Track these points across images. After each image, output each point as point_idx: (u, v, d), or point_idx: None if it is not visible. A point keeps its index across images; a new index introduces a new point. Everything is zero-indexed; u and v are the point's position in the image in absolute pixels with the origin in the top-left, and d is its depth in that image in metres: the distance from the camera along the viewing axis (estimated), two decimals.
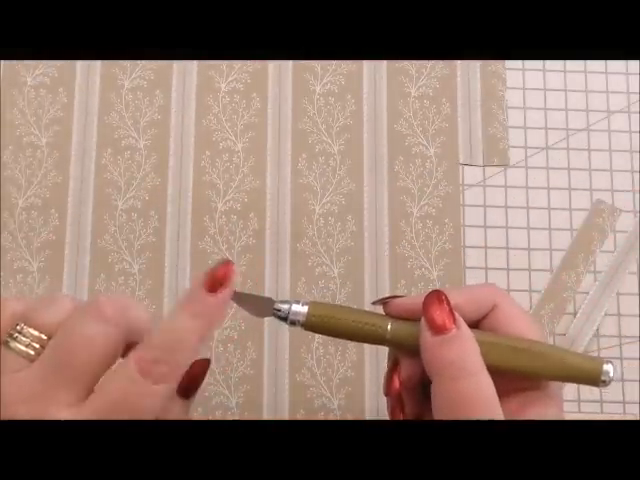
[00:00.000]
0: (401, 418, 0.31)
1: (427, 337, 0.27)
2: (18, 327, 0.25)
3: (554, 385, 0.30)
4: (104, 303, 0.25)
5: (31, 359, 0.25)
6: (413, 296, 0.30)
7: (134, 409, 0.24)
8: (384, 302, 0.30)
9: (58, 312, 0.25)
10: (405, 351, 0.30)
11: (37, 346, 0.25)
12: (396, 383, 0.30)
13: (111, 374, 0.24)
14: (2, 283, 0.42)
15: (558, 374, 0.28)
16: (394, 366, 0.30)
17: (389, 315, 0.30)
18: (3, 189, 0.43)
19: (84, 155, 0.44)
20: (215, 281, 0.26)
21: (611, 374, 0.28)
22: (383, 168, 0.45)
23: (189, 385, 0.27)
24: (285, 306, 0.30)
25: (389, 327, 0.29)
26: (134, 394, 0.24)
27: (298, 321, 0.30)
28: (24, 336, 0.25)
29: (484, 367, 0.27)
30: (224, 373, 0.41)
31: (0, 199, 0.43)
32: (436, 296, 0.28)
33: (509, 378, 0.28)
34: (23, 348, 0.25)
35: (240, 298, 0.30)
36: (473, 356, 0.27)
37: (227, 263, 0.26)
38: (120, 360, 0.26)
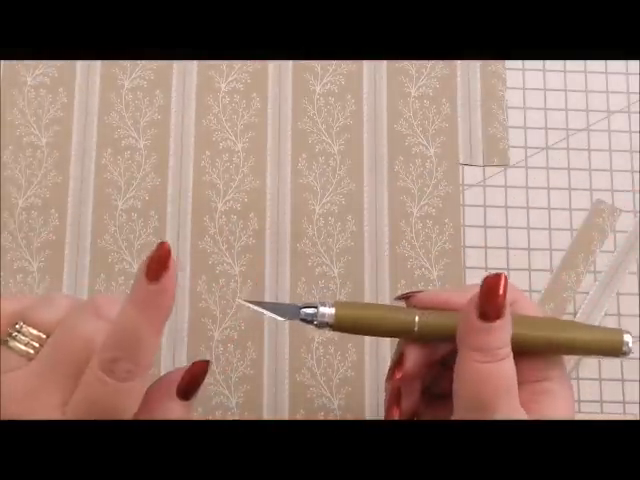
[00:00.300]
0: (397, 414, 0.31)
1: (473, 321, 0.28)
2: (17, 326, 0.25)
3: (565, 377, 0.30)
4: (102, 302, 0.25)
5: (30, 358, 0.25)
6: (437, 290, 0.31)
7: (109, 409, 0.24)
8: (407, 296, 0.31)
9: (57, 311, 0.25)
10: (435, 339, 0.30)
11: (36, 345, 0.25)
12: (397, 375, 0.30)
13: (83, 377, 0.24)
14: (2, 283, 0.42)
15: (582, 345, 0.30)
16: (399, 359, 0.31)
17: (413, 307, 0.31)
18: (3, 189, 0.43)
19: (84, 155, 0.44)
20: (154, 267, 0.24)
21: (630, 344, 0.29)
22: (383, 168, 0.45)
23: (188, 386, 0.27)
24: (312, 310, 0.30)
25: (417, 319, 0.30)
26: (105, 394, 0.24)
27: (326, 323, 0.30)
28: (23, 335, 0.25)
29: (511, 352, 0.28)
30: (224, 373, 0.41)
31: (0, 199, 0.43)
32: (498, 286, 0.28)
33: (525, 367, 0.29)
34: (22, 347, 0.25)
35: (264, 306, 0.30)
36: (507, 342, 0.28)
37: (162, 246, 0.24)
38: None
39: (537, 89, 0.46)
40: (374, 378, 0.42)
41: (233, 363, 0.42)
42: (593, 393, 0.42)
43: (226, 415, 0.41)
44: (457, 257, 0.43)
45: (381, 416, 0.41)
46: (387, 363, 0.41)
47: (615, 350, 0.30)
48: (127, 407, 0.25)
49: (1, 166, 0.43)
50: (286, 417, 0.41)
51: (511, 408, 0.28)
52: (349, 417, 0.41)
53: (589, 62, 0.47)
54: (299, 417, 0.41)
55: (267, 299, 0.42)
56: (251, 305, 0.30)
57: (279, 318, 0.30)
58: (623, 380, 0.42)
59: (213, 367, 0.41)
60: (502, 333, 0.28)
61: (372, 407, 0.41)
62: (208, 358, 0.41)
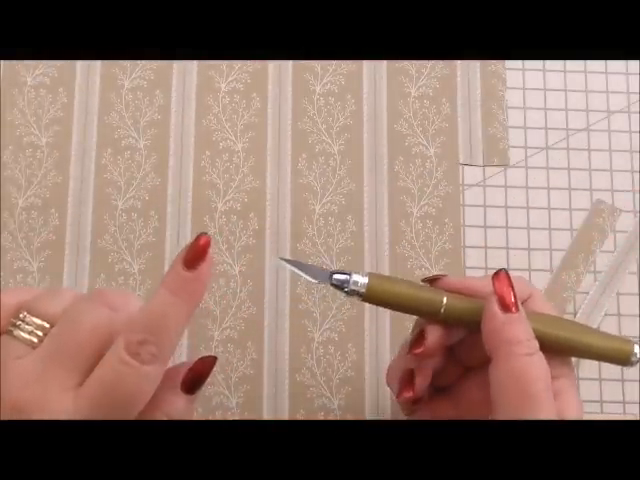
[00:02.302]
0: (410, 393, 0.32)
1: (497, 313, 0.29)
2: (21, 315, 0.25)
3: (574, 376, 0.31)
4: (109, 292, 0.26)
5: (34, 346, 0.25)
6: (461, 277, 0.32)
7: (127, 391, 0.24)
8: (434, 279, 0.32)
9: (61, 302, 0.26)
10: (454, 325, 0.31)
11: (40, 334, 0.25)
12: (418, 349, 0.31)
13: (103, 358, 0.25)
14: (2, 283, 0.42)
15: (596, 350, 0.30)
16: (419, 336, 0.31)
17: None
18: (3, 189, 0.43)
19: (84, 155, 0.44)
20: (192, 256, 0.25)
21: (639, 355, 0.30)
22: (383, 168, 0.45)
23: (193, 381, 0.27)
24: (344, 276, 0.30)
25: (444, 301, 0.30)
26: (125, 376, 0.24)
27: (357, 292, 0.30)
28: (27, 324, 0.25)
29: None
30: (224, 373, 0.41)
31: (0, 199, 0.43)
32: (506, 276, 0.30)
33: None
34: (26, 336, 0.25)
35: (298, 266, 0.31)
36: (533, 337, 0.29)
37: (203, 237, 0.26)
38: None
39: (537, 89, 0.46)
40: (374, 378, 0.42)
41: (233, 363, 0.42)
42: (593, 393, 0.42)
43: (226, 415, 0.41)
44: (457, 257, 0.43)
45: (381, 416, 0.41)
46: (387, 364, 0.41)
47: (622, 360, 0.30)
48: (144, 391, 0.25)
49: (1, 166, 0.43)
50: (286, 417, 0.41)
51: (551, 403, 0.28)
52: (349, 417, 0.41)
53: (589, 62, 0.47)
54: (299, 417, 0.41)
55: (267, 299, 0.42)
56: (287, 264, 0.31)
57: (312, 280, 0.30)
58: (623, 380, 0.42)
59: (213, 367, 0.41)
60: (524, 325, 0.29)
61: (372, 407, 0.41)
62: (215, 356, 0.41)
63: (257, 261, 0.43)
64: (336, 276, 0.30)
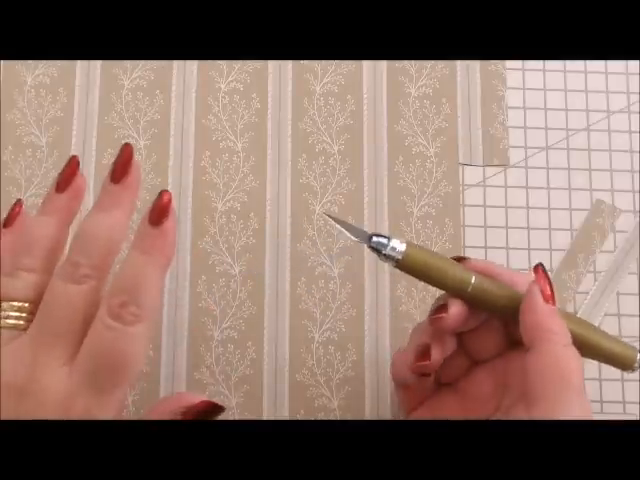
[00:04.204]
0: (428, 361, 0.31)
1: (540, 302, 0.29)
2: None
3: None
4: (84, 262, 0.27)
5: (24, 328, 0.25)
6: (487, 261, 0.33)
7: (117, 355, 0.25)
8: (462, 259, 0.32)
9: (26, 279, 0.27)
10: (477, 305, 0.31)
11: (24, 314, 0.26)
12: (442, 312, 0.31)
13: (90, 329, 0.25)
14: None
15: (601, 351, 0.31)
16: (442, 306, 0.31)
17: None
18: (3, 189, 0.43)
19: (84, 155, 0.44)
20: (156, 213, 0.27)
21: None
22: (383, 168, 0.45)
23: (193, 416, 0.27)
24: (384, 240, 0.31)
25: (473, 280, 0.31)
26: (112, 340, 0.25)
27: (393, 257, 0.31)
28: (5, 310, 0.26)
29: None
30: (224, 373, 0.41)
31: (0, 199, 0.43)
32: (545, 270, 0.31)
33: None
34: (13, 321, 0.26)
35: (341, 224, 0.32)
36: (567, 330, 0.30)
37: (165, 194, 0.27)
38: None
39: (537, 89, 0.46)
40: (374, 378, 0.42)
41: (233, 363, 0.42)
42: (593, 393, 0.42)
43: (226, 415, 0.41)
44: None
45: (381, 416, 0.41)
46: (387, 364, 0.41)
47: (624, 365, 0.31)
48: (134, 353, 0.25)
49: (1, 166, 0.43)
50: (286, 417, 0.41)
51: (585, 397, 0.28)
52: (349, 417, 0.41)
53: (589, 62, 0.47)
54: (299, 417, 0.41)
55: (267, 299, 0.42)
56: (330, 219, 0.32)
57: (352, 237, 0.31)
58: (623, 380, 0.42)
59: (213, 367, 0.41)
60: (560, 318, 0.30)
61: (372, 407, 0.41)
62: (210, 362, 0.41)
63: (257, 261, 0.43)
64: (375, 239, 0.31)
